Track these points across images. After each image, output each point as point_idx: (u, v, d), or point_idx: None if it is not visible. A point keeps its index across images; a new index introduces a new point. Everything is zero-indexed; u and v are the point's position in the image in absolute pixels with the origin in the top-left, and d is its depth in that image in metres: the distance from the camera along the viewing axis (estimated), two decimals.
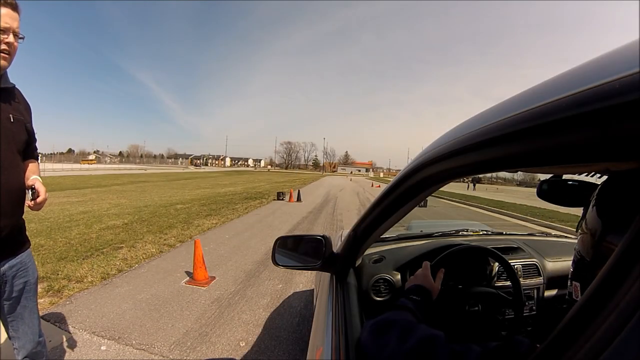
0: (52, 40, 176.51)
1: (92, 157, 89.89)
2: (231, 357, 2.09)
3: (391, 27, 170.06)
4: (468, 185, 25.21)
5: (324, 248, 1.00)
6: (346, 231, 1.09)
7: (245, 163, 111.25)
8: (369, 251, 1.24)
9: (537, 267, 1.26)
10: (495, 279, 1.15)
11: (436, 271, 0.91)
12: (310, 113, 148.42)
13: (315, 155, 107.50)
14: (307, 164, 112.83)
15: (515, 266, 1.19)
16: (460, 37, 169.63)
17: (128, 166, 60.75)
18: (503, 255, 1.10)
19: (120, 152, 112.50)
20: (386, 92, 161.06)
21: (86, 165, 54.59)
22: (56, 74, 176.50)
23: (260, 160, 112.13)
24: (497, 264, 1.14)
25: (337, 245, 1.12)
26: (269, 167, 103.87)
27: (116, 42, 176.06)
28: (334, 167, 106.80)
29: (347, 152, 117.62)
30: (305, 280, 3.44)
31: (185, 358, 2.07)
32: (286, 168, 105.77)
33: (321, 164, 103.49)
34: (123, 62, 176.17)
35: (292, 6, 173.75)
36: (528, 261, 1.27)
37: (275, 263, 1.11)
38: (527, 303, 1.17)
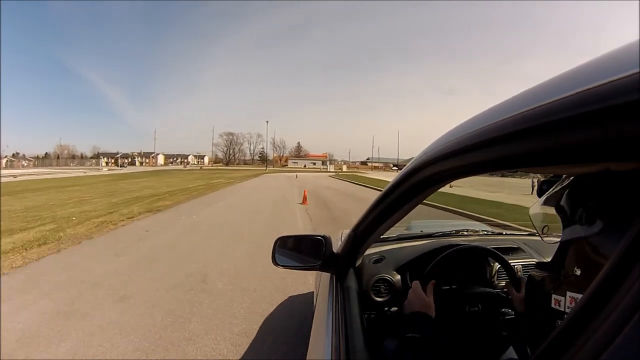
0: None
1: (5, 162, 70.88)
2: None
3: (344, 21, 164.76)
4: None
5: (324, 248, 1.01)
6: (346, 231, 1.07)
7: (186, 160, 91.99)
8: (369, 251, 1.23)
9: None
10: (496, 279, 1.15)
11: (426, 284, 0.88)
12: (262, 107, 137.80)
13: (262, 148, 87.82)
14: (252, 159, 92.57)
15: (516, 266, 1.19)
16: (415, 31, 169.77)
17: (31, 170, 47.95)
18: (503, 256, 1.10)
19: (46, 153, 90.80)
20: (340, 86, 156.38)
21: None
22: None
23: (204, 156, 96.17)
24: (497, 264, 1.14)
25: (337, 246, 1.11)
26: (202, 164, 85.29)
27: (59, 40, 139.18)
28: (285, 161, 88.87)
29: (299, 142, 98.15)
30: None
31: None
32: (227, 164, 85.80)
33: (269, 158, 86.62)
34: (69, 61, 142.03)
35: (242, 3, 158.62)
36: (528, 261, 1.26)
37: (275, 263, 1.12)
38: None
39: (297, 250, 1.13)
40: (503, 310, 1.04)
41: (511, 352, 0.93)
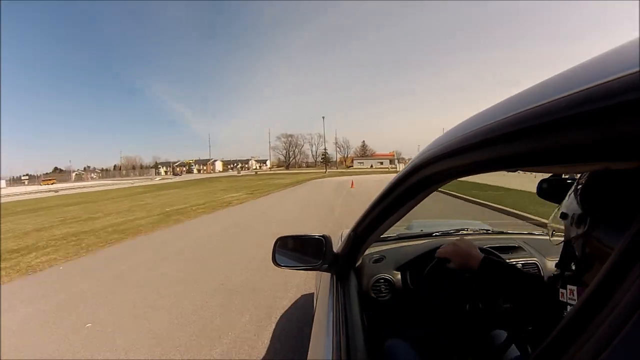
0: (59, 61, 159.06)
1: (75, 175, 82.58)
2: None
3: (395, 18, 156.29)
4: None
5: (324, 248, 0.99)
6: (347, 231, 1.08)
7: (246, 166, 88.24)
8: (369, 251, 1.23)
9: (537, 266, 1.24)
10: None
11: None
12: (324, 109, 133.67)
13: (325, 149, 77.16)
14: (315, 160, 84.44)
15: (516, 265, 1.18)
16: (459, 23, 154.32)
17: (92, 183, 51.70)
18: (504, 255, 1.10)
19: (115, 165, 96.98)
20: (403, 83, 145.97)
21: (45, 187, 45.58)
22: (67, 97, 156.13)
23: (266, 160, 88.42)
24: None
25: (337, 245, 1.11)
26: (258, 169, 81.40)
27: (126, 62, 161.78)
28: (350, 161, 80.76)
29: (363, 141, 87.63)
30: None
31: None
32: (287, 167, 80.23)
33: (333, 159, 78.43)
34: (134, 79, 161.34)
35: (293, 7, 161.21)
36: (528, 260, 1.25)
37: (276, 263, 1.10)
38: None
39: (298, 250, 1.11)
40: (504, 308, 1.04)
41: (512, 350, 0.89)
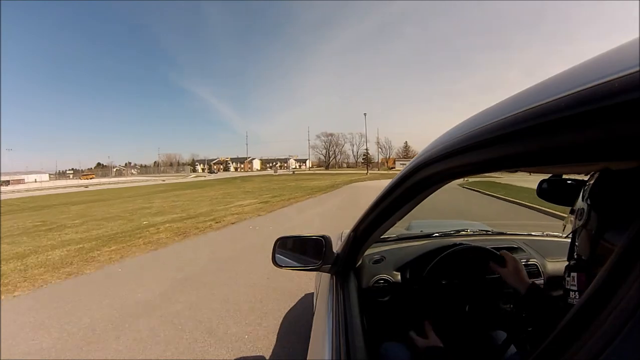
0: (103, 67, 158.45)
1: (115, 171, 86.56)
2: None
3: (432, 16, 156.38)
4: None
5: (324, 248, 0.99)
6: (347, 231, 1.08)
7: (285, 165, 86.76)
8: (369, 251, 1.23)
9: (537, 267, 1.24)
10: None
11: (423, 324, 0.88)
12: (363, 108, 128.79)
13: (366, 149, 72.03)
14: (357, 161, 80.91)
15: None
16: (504, 17, 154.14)
17: (130, 179, 55.47)
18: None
19: (155, 162, 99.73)
20: (445, 83, 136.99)
21: (78, 182, 50.13)
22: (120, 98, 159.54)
23: (306, 160, 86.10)
24: None
25: (337, 246, 1.10)
26: (296, 168, 78.61)
27: (173, 65, 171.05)
28: (392, 163, 76.02)
29: (406, 142, 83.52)
30: None
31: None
32: (327, 167, 77.79)
33: (374, 159, 74.89)
34: (182, 82, 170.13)
35: (333, 7, 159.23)
36: (528, 261, 1.24)
37: (276, 264, 1.10)
38: None
39: (298, 250, 1.11)
40: (503, 307, 1.05)
41: (512, 351, 0.90)
